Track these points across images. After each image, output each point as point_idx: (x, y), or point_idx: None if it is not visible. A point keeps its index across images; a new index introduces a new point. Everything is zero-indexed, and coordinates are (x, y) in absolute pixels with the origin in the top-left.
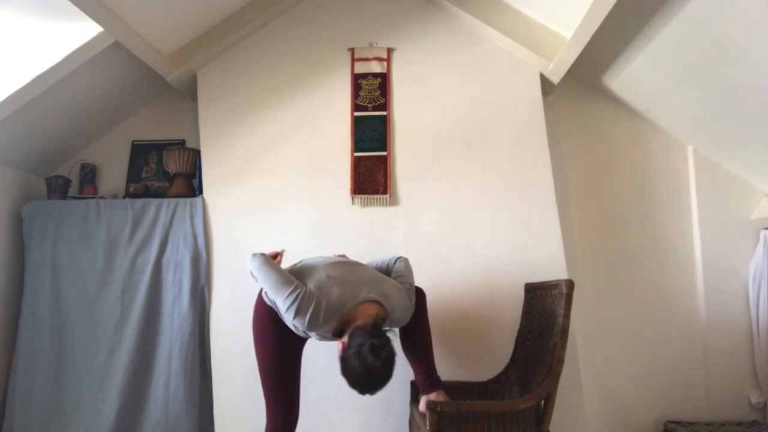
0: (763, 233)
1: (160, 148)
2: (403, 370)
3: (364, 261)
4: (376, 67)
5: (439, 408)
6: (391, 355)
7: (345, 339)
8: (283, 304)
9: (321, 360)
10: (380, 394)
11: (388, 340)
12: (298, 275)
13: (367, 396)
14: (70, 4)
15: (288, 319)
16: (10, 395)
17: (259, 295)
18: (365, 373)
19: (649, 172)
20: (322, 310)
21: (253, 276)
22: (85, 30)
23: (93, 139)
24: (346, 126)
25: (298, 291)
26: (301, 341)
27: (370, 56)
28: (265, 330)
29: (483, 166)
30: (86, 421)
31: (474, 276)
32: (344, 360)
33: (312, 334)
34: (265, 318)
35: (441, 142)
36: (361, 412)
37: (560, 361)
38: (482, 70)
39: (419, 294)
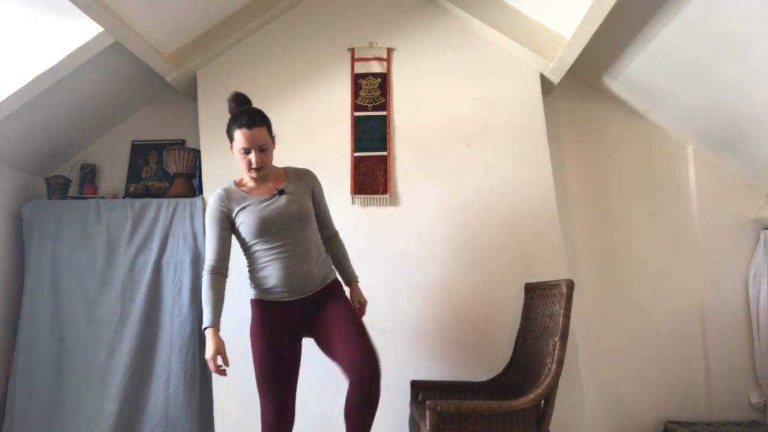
0: (763, 233)
1: (160, 148)
2: (403, 370)
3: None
4: (376, 67)
5: (439, 408)
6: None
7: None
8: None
9: (321, 360)
10: (380, 394)
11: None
12: None
13: None
14: (70, 3)
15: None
16: (10, 395)
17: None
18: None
19: (649, 172)
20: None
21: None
22: (85, 30)
23: (93, 139)
24: (346, 126)
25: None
26: (296, 340)
27: (370, 56)
28: (257, 326)
29: (483, 166)
30: (86, 421)
31: (474, 276)
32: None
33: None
34: (257, 314)
35: (441, 142)
36: None
37: (560, 361)
38: (482, 70)
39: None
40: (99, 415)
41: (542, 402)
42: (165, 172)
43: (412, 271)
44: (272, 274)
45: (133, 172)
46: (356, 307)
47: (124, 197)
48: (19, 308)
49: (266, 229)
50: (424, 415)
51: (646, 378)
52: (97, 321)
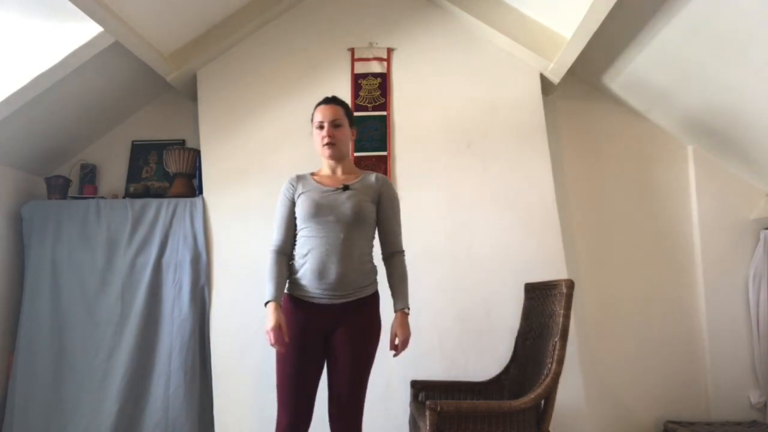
0: (763, 233)
1: (160, 148)
2: (403, 370)
3: None
4: (376, 67)
5: (439, 408)
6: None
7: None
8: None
9: None
10: (380, 394)
11: None
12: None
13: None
14: (70, 4)
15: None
16: (10, 395)
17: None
18: None
19: (649, 172)
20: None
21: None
22: (85, 30)
23: (93, 139)
24: None
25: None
26: (320, 346)
27: (370, 56)
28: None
29: (483, 166)
30: (86, 421)
31: (474, 276)
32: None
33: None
34: (285, 310)
35: (441, 142)
36: None
37: (560, 361)
38: (482, 70)
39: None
40: (99, 414)
41: (542, 402)
42: (165, 172)
43: (412, 271)
44: (306, 264)
45: (133, 172)
46: (392, 339)
47: (124, 197)
48: (19, 308)
49: (315, 214)
50: (424, 414)
51: (646, 378)
52: (97, 321)
